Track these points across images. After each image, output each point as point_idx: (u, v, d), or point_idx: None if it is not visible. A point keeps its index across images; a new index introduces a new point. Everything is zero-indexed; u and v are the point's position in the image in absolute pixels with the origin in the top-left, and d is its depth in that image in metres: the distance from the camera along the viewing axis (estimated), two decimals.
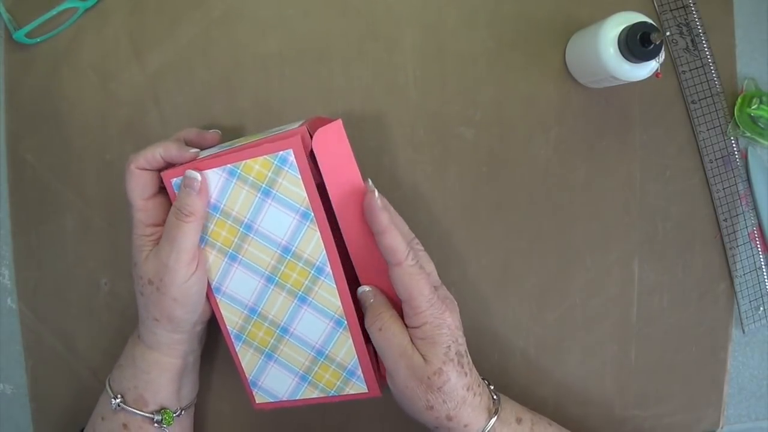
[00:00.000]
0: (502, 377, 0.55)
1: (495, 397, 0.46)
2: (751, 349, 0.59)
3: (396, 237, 0.42)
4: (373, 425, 0.56)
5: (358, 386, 0.48)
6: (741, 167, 0.57)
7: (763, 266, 0.58)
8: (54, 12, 0.49)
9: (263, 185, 0.43)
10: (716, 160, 0.56)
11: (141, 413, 0.46)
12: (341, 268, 0.44)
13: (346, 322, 0.45)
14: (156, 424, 0.46)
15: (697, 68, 0.56)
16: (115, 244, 0.53)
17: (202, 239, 0.45)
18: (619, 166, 0.56)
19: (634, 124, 0.56)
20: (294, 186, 0.43)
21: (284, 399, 0.49)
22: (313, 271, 0.45)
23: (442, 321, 0.42)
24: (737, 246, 0.57)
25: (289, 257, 0.45)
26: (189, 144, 0.47)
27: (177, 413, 0.48)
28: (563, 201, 0.55)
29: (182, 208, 0.43)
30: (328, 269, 0.44)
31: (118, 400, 0.46)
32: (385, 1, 0.53)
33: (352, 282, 0.45)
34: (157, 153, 0.44)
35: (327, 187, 0.43)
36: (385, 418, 0.55)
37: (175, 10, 0.52)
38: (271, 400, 0.49)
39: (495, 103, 0.54)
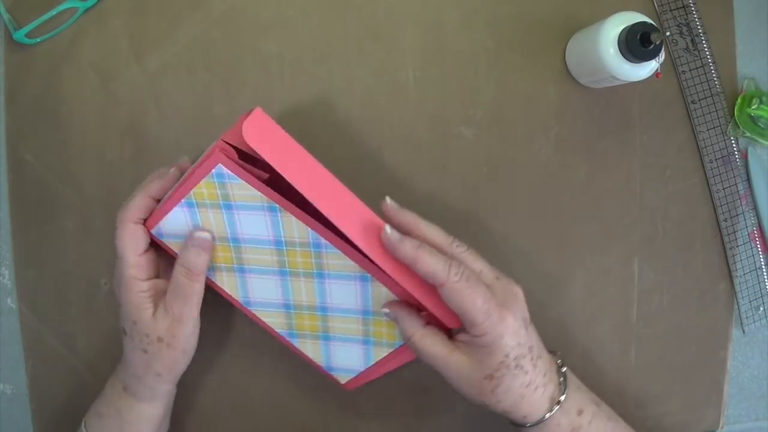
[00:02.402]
0: None
1: (561, 380, 0.45)
2: (751, 349, 0.59)
3: (428, 261, 0.40)
4: (374, 425, 0.56)
5: None
6: (741, 167, 0.57)
7: (763, 266, 0.58)
8: (54, 12, 0.49)
9: (221, 202, 0.44)
10: (716, 160, 0.56)
11: None
12: (332, 234, 0.44)
13: (369, 274, 0.45)
14: None
15: (697, 68, 0.56)
16: None
17: (208, 270, 0.47)
18: (619, 166, 0.56)
19: (634, 124, 0.56)
20: (245, 191, 0.43)
21: (363, 370, 0.50)
22: (312, 249, 0.45)
23: (503, 328, 0.41)
24: (737, 246, 0.57)
25: (285, 248, 0.45)
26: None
27: None
28: (563, 201, 0.55)
29: (193, 269, 0.44)
30: (323, 240, 0.44)
31: None
32: (385, 1, 0.53)
33: (353, 232, 0.44)
34: (146, 198, 0.44)
35: (281, 172, 0.42)
36: (386, 419, 0.56)
37: (175, 11, 0.52)
38: (354, 376, 0.50)
39: (495, 103, 0.54)
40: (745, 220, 0.57)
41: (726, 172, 0.57)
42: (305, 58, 0.53)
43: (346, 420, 0.55)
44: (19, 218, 0.53)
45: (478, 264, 0.43)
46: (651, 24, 0.46)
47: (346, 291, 0.46)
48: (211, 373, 0.54)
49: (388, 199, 0.44)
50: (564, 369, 0.45)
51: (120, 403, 0.46)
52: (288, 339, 0.50)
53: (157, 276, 0.46)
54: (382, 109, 0.54)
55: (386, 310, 0.44)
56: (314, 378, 0.55)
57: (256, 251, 0.45)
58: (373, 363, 0.49)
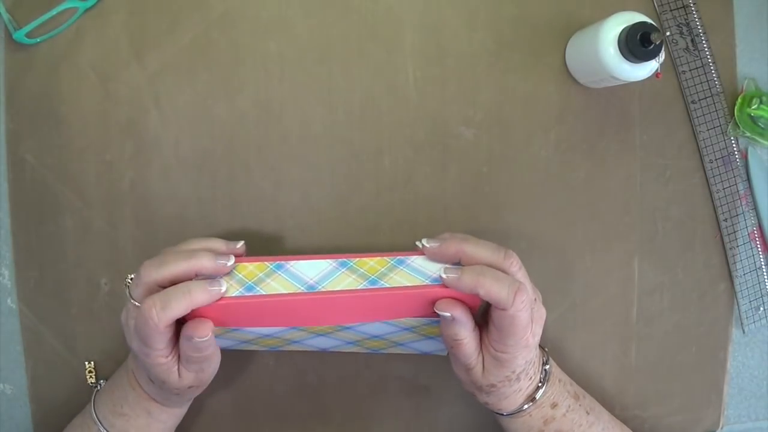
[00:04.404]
0: None
1: (542, 377, 0.46)
2: (751, 349, 0.59)
3: (491, 290, 0.39)
4: (374, 425, 0.56)
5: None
6: (741, 167, 0.57)
7: (763, 266, 0.58)
8: (54, 12, 0.49)
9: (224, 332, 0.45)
10: (716, 160, 0.56)
11: None
12: (344, 318, 0.44)
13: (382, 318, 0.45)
14: None
15: (697, 68, 0.56)
16: (115, 244, 0.53)
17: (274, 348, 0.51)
18: (619, 166, 0.56)
19: (634, 124, 0.56)
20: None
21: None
22: (338, 328, 0.45)
23: (522, 352, 0.42)
24: (737, 246, 0.57)
25: (302, 327, 0.46)
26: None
27: None
28: (563, 201, 0.55)
29: (201, 348, 0.42)
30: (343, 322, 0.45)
31: None
32: (385, 1, 0.53)
33: (339, 319, 0.44)
34: (182, 305, 0.40)
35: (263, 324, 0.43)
36: (386, 419, 0.56)
37: (175, 11, 0.52)
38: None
39: (495, 103, 0.54)
40: (745, 220, 0.57)
41: (726, 172, 0.57)
42: (305, 58, 0.53)
43: (346, 420, 0.55)
44: (19, 218, 0.53)
45: (525, 280, 0.43)
46: (651, 24, 0.46)
47: (375, 327, 0.46)
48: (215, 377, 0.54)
49: (425, 242, 0.43)
50: (547, 366, 0.47)
51: (150, 407, 0.47)
52: (374, 353, 0.51)
53: (176, 340, 0.44)
54: (382, 109, 0.54)
55: (447, 314, 0.41)
56: (314, 378, 0.55)
57: (289, 334, 0.46)
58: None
